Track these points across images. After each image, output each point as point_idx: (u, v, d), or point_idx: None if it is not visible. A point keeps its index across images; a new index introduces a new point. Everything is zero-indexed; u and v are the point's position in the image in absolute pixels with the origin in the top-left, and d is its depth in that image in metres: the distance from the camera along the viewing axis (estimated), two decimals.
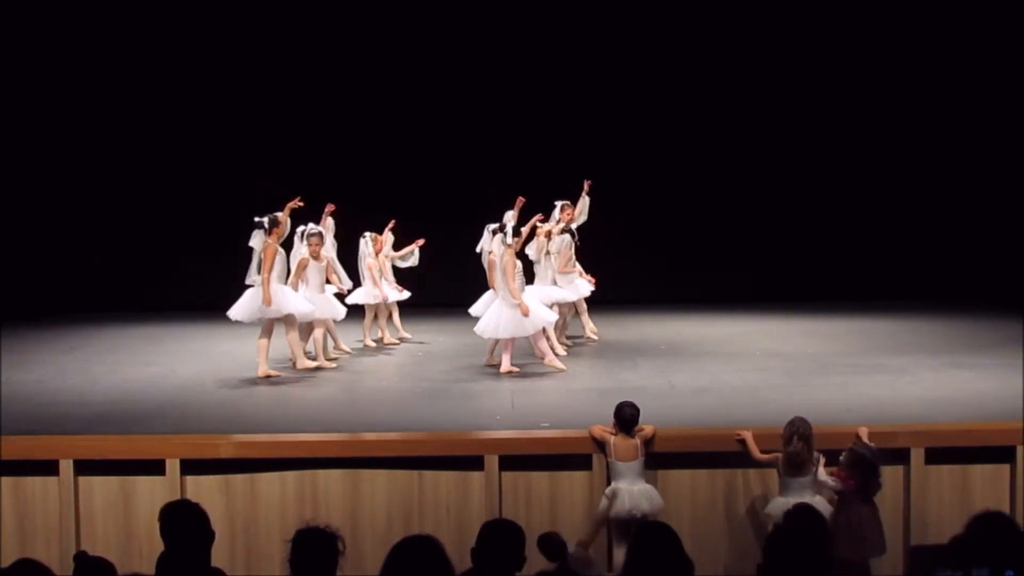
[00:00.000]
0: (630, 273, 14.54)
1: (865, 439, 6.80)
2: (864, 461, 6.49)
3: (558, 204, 11.38)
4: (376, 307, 11.81)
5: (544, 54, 15.38)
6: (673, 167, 15.55)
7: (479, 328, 9.96)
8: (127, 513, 7.27)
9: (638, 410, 7.08)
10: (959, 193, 15.39)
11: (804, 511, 4.68)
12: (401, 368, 10.53)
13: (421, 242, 11.99)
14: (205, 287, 14.82)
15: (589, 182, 11.37)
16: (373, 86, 15.52)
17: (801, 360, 10.44)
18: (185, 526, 4.47)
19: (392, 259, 12.05)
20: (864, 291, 15.22)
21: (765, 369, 9.96)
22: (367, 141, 15.49)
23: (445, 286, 13.35)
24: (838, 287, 15.36)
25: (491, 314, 9.91)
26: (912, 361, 10.21)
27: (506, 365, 9.92)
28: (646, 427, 7.13)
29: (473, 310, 10.80)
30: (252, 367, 10.07)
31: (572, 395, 9.03)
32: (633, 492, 6.88)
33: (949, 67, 15.25)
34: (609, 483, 7.04)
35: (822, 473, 6.64)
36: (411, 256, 12.04)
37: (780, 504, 6.48)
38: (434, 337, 12.47)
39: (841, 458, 6.64)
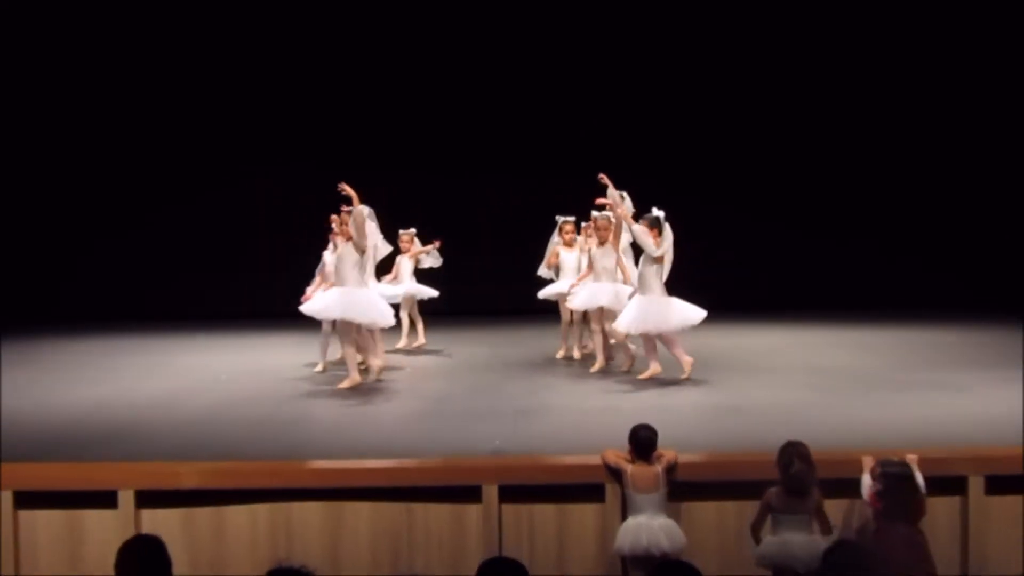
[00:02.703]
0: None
1: (915, 466, 6.64)
2: (898, 477, 6.39)
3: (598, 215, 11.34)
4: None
5: (551, 53, 16.02)
6: (700, 163, 16.05)
7: (626, 326, 10.06)
8: (74, 552, 7.14)
9: (656, 433, 6.96)
10: (1014, 201, 15.83)
11: (847, 549, 4.51)
12: (387, 386, 10.50)
13: (438, 243, 12.39)
14: (166, 296, 15.21)
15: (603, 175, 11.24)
16: (372, 84, 16.17)
17: (841, 375, 10.48)
18: (146, 567, 4.23)
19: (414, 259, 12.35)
20: (909, 299, 15.49)
21: (801, 386, 9.99)
22: (363, 141, 16.01)
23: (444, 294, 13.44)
24: (880, 295, 15.68)
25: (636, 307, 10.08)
26: (967, 376, 10.22)
27: (655, 367, 10.21)
28: (667, 452, 7.01)
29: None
30: (219, 382, 10.16)
31: (583, 416, 8.99)
32: (652, 527, 6.77)
33: (996, 76, 15.83)
34: (625, 517, 6.94)
35: (867, 487, 6.49)
36: (429, 257, 12.42)
37: (774, 544, 6.45)
38: (430, 349, 12.54)
39: (870, 479, 6.53)
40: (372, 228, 10.85)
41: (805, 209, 16.17)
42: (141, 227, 16.23)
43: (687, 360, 10.20)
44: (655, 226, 10.10)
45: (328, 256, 10.87)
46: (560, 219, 11.81)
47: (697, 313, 10.16)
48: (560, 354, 11.82)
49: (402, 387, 10.41)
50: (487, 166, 15.79)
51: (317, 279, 11.11)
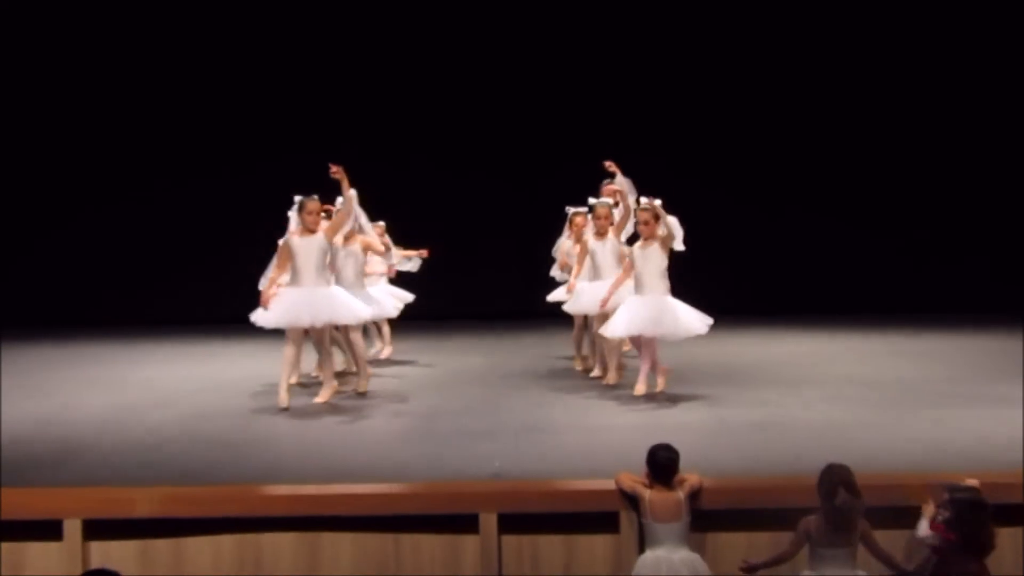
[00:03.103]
0: (672, 279, 14.59)
1: None
2: (970, 504, 6.31)
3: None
4: None
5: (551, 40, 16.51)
6: (728, 159, 16.40)
7: (662, 331, 10.05)
8: None
9: (678, 454, 6.94)
10: None
11: None
12: (372, 399, 10.52)
13: (425, 253, 12.46)
14: (116, 300, 15.30)
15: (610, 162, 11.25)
16: (341, 75, 16.60)
17: (887, 388, 10.53)
18: None
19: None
20: (962, 302, 15.66)
21: (841, 400, 10.01)
22: (335, 131, 16.30)
23: (429, 296, 13.61)
24: (928, 297, 15.91)
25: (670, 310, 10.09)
26: None
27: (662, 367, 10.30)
28: (690, 476, 6.99)
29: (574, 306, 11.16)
30: (178, 396, 10.22)
31: (593, 434, 9.00)
32: (673, 561, 6.76)
33: None
34: (642, 550, 6.90)
35: (923, 525, 6.44)
36: (408, 262, 12.53)
37: None
38: (416, 359, 12.62)
39: (933, 512, 6.48)
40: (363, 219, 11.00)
41: (836, 203, 16.41)
42: (87, 224, 16.43)
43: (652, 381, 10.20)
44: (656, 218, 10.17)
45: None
46: (571, 210, 11.70)
47: (703, 321, 10.15)
48: (578, 365, 11.76)
49: (387, 402, 10.38)
50: (481, 151, 16.10)
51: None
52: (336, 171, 10.08)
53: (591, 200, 11.08)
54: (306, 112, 16.39)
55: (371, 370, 10.96)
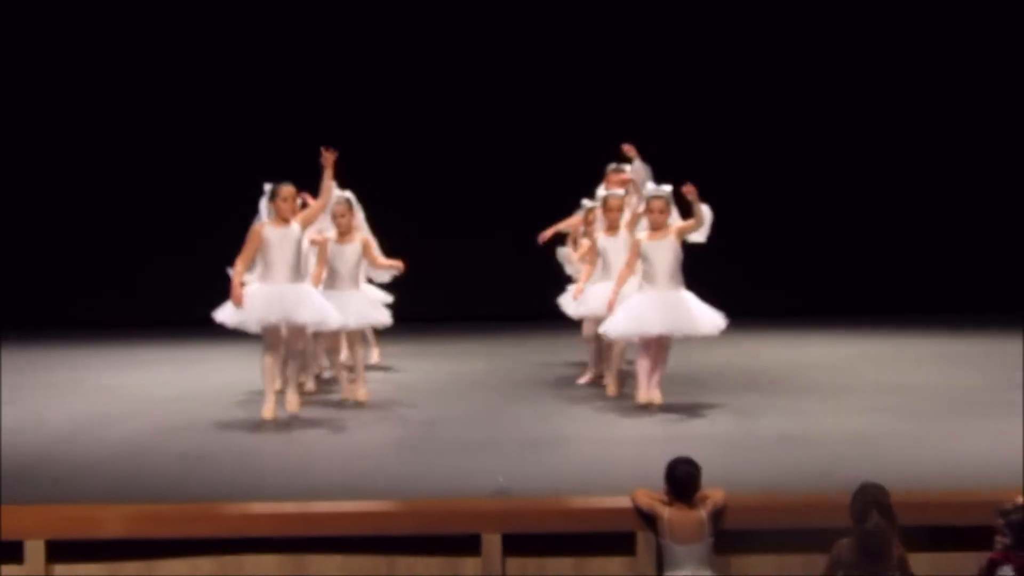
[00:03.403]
0: (694, 279, 14.57)
1: None
2: None
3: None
4: None
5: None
6: (748, 147, 16.39)
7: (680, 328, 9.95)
8: None
9: (699, 469, 6.93)
10: None
11: None
12: (363, 408, 10.52)
13: (401, 267, 11.68)
14: (82, 300, 15.33)
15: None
16: (345, 63, 16.60)
17: (925, 395, 10.54)
18: None
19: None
20: (1005, 304, 15.52)
21: (877, 408, 10.01)
22: (320, 123, 15.87)
23: (425, 296, 13.77)
24: (969, 298, 15.83)
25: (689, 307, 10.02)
26: None
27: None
28: (713, 493, 7.00)
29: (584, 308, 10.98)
30: (151, 405, 10.35)
31: (606, 447, 9.01)
32: None
33: None
34: (660, 573, 6.93)
35: None
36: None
37: None
38: (408, 364, 12.62)
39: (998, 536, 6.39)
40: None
41: (871, 196, 16.47)
42: (52, 219, 16.40)
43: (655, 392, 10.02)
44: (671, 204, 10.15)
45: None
46: (587, 203, 11.55)
47: (718, 320, 10.08)
48: (585, 378, 11.62)
49: (380, 412, 10.38)
50: (483, 142, 16.11)
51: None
52: (329, 155, 9.93)
53: (600, 191, 11.02)
54: (285, 104, 16.37)
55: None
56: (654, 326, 9.90)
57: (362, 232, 10.88)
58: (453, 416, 10.12)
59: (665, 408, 9.98)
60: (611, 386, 10.81)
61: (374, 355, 12.42)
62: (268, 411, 9.83)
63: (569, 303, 11.38)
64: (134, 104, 16.48)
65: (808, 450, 8.63)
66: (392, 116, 16.41)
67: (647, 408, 9.91)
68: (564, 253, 11.96)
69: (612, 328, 10.07)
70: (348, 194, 10.70)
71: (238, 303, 9.64)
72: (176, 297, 16.11)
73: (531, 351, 13.54)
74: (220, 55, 16.44)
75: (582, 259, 11.39)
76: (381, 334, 12.30)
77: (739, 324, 14.45)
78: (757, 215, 15.90)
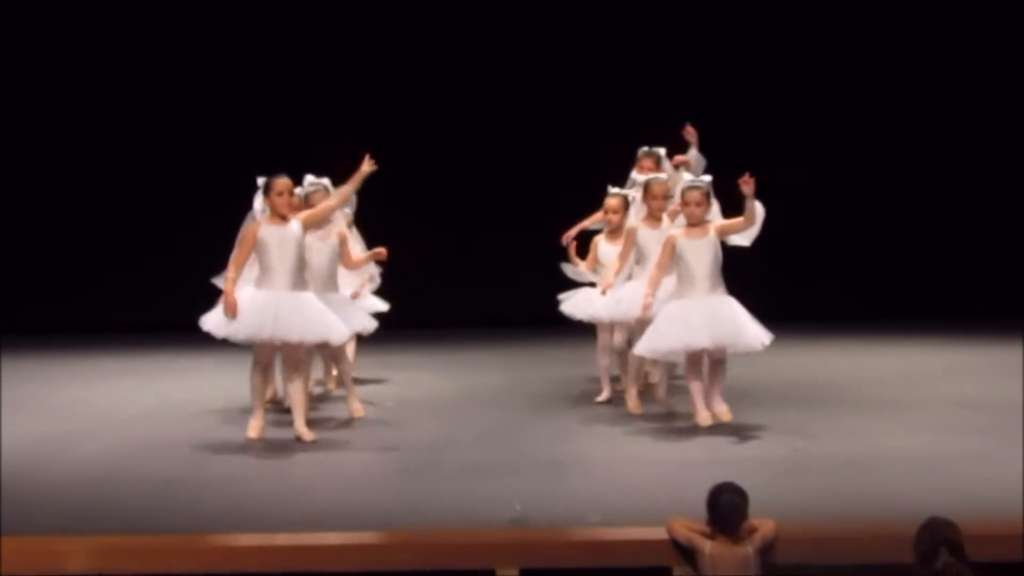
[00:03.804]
0: (740, 279, 14.69)
1: None
2: None
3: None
4: None
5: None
6: (799, 138, 16.63)
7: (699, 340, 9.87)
8: None
9: (746, 497, 6.89)
10: None
11: None
12: (360, 428, 10.60)
13: (383, 253, 11.48)
14: (42, 304, 15.45)
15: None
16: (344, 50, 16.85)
17: (1003, 412, 10.45)
18: None
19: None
20: None
21: (948, 427, 10.03)
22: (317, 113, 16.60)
23: (432, 300, 13.92)
24: None
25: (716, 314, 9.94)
26: None
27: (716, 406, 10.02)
28: (762, 524, 6.96)
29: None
30: (119, 423, 10.48)
31: (639, 470, 9.02)
32: None
33: None
34: None
35: None
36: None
37: None
38: (412, 376, 12.76)
39: None
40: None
41: (939, 191, 16.64)
42: (9, 216, 16.56)
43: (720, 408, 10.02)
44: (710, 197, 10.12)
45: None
46: (615, 192, 11.42)
47: (761, 333, 10.02)
48: (603, 396, 11.59)
49: (379, 431, 10.42)
50: (494, 133, 16.32)
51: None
52: (368, 165, 10.00)
53: (638, 177, 10.97)
54: (276, 94, 16.59)
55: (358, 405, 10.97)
56: (700, 338, 9.83)
57: (339, 226, 10.83)
58: (463, 436, 10.14)
59: (701, 429, 9.99)
60: (632, 402, 10.80)
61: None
62: (254, 429, 9.86)
63: (583, 304, 11.31)
64: (88, 94, 16.66)
65: (867, 474, 8.62)
66: (395, 109, 16.60)
67: (714, 428, 9.90)
68: (570, 270, 11.69)
69: (653, 345, 10.01)
70: (325, 181, 10.68)
71: (231, 313, 9.60)
72: (143, 301, 16.19)
73: (551, 362, 13.58)
74: (210, 42, 16.64)
75: (590, 265, 11.35)
76: (365, 342, 12.27)
77: (786, 332, 14.59)
78: (802, 211, 15.97)
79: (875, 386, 11.94)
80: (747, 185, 9.78)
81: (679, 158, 10.97)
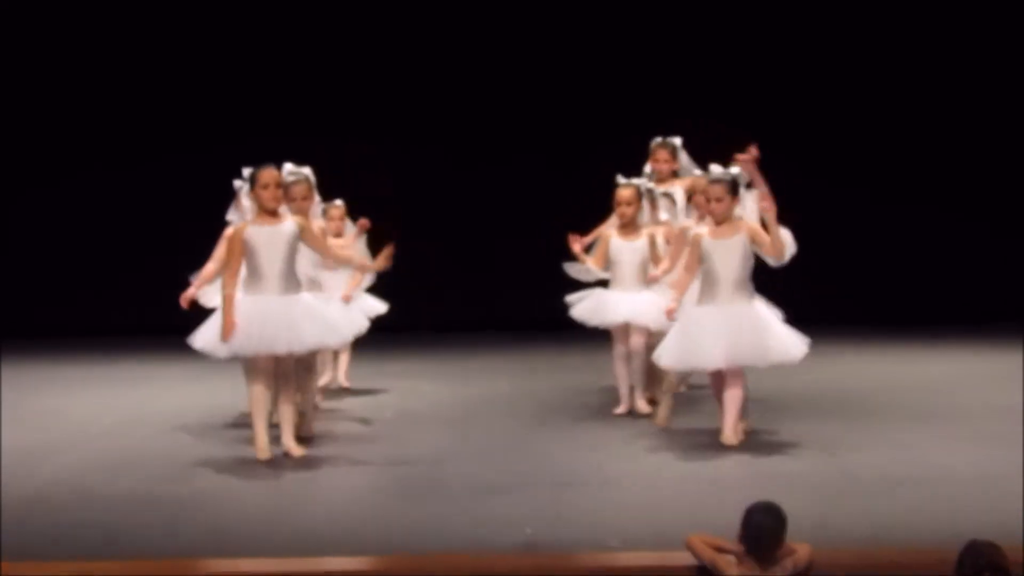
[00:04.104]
0: (769, 283, 14.82)
1: None
2: None
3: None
4: None
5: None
6: (837, 143, 16.94)
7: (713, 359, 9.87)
8: None
9: (784, 519, 6.84)
10: None
11: None
12: (357, 442, 10.65)
13: (367, 224, 11.76)
14: (21, 307, 15.50)
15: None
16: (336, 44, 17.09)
17: None
18: None
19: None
20: None
21: (997, 439, 10.04)
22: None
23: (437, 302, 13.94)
24: None
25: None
26: None
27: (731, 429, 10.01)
28: (798, 548, 6.92)
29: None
30: (92, 436, 10.55)
31: (663, 490, 9.05)
32: None
33: None
34: None
35: None
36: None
37: None
38: (416, 385, 12.85)
39: None
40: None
41: (980, 191, 16.91)
42: None
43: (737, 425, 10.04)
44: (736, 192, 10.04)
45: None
46: (622, 181, 11.51)
47: (799, 345, 10.02)
48: (621, 408, 11.63)
49: (378, 446, 10.44)
50: (507, 125, 16.51)
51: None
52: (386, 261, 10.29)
53: (648, 169, 11.05)
54: (275, 95, 16.76)
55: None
56: (711, 358, 9.85)
57: (318, 221, 10.78)
58: (468, 450, 10.19)
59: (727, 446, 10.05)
60: (661, 414, 10.79)
61: (341, 376, 12.40)
62: (261, 451, 9.77)
63: (597, 309, 11.35)
64: (55, 101, 16.82)
65: (913, 491, 8.66)
66: (398, 107, 16.80)
67: (746, 443, 9.98)
68: (575, 269, 11.67)
69: (664, 355, 10.09)
70: (307, 171, 10.64)
71: (228, 335, 9.54)
72: (119, 302, 16.23)
73: (564, 369, 13.62)
74: (210, 43, 16.82)
75: (598, 262, 11.33)
76: (361, 347, 12.31)
77: (823, 337, 14.63)
78: (839, 212, 16.11)
79: (912, 395, 12.04)
80: (768, 211, 9.85)
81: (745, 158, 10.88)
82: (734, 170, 10.10)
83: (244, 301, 9.68)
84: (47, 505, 8.70)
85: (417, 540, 7.81)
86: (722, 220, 9.98)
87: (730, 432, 9.92)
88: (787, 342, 9.96)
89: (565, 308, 11.76)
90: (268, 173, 9.83)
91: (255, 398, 9.83)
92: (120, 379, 13.49)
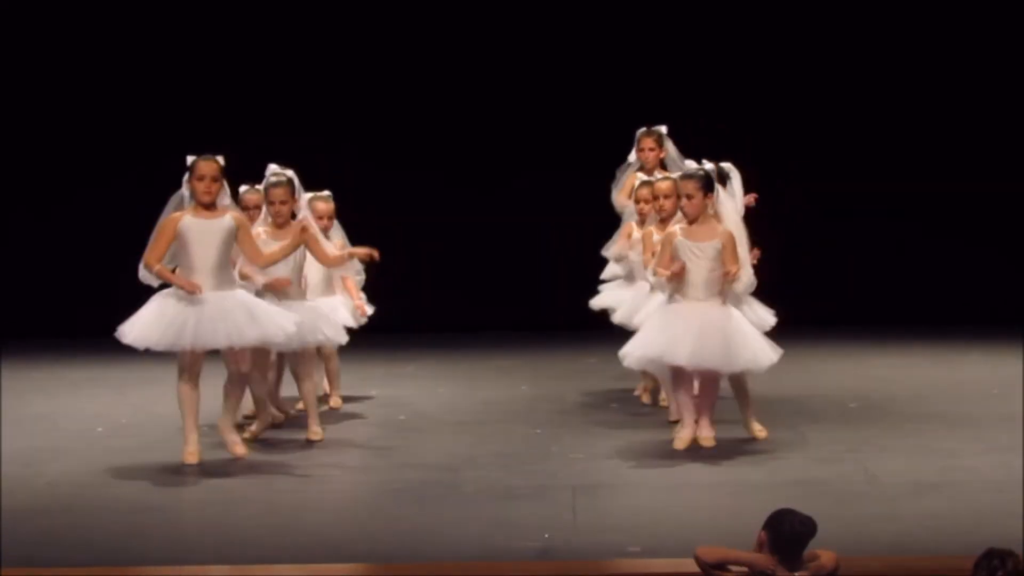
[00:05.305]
0: (793, 283, 14.71)
1: None
2: None
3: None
4: None
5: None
6: (851, 141, 16.73)
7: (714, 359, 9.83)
8: None
9: (813, 526, 6.76)
10: None
11: None
12: (364, 446, 10.72)
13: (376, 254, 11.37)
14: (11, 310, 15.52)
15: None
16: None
17: None
18: None
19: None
20: None
21: (1014, 446, 10.02)
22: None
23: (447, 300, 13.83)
24: None
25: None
26: None
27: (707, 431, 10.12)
28: (822, 554, 6.85)
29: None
30: (81, 443, 10.56)
31: (683, 493, 9.10)
32: None
33: None
34: None
35: None
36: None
37: None
38: (427, 387, 12.82)
39: None
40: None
41: (992, 193, 16.63)
42: None
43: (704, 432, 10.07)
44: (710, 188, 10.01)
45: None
46: (663, 177, 11.42)
47: (761, 353, 9.93)
48: (642, 395, 11.77)
49: (385, 450, 10.46)
50: (512, 115, 16.34)
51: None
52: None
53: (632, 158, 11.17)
54: (276, 94, 16.73)
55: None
56: (674, 353, 9.79)
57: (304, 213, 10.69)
58: (483, 454, 10.17)
59: (761, 444, 10.08)
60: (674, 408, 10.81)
61: (324, 384, 12.27)
62: (190, 454, 9.72)
63: (634, 311, 11.20)
64: (55, 102, 16.86)
65: (946, 500, 8.68)
66: (402, 105, 16.71)
67: (771, 448, 9.98)
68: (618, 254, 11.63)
69: (629, 350, 10.08)
70: (290, 173, 10.51)
71: (196, 288, 9.49)
72: (110, 306, 16.13)
73: (583, 370, 13.56)
74: (212, 43, 16.76)
75: (619, 257, 11.33)
76: (372, 348, 12.26)
77: (847, 340, 14.81)
78: (855, 208, 16.10)
79: (940, 398, 11.98)
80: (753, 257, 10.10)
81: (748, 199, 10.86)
82: (708, 165, 10.02)
83: (175, 295, 9.62)
84: (42, 514, 8.66)
85: (431, 547, 7.84)
86: (695, 219, 9.94)
87: (708, 433, 10.01)
88: (756, 349, 9.92)
89: (584, 308, 11.77)
90: (206, 164, 9.71)
91: (180, 398, 9.80)
92: (114, 382, 13.38)
